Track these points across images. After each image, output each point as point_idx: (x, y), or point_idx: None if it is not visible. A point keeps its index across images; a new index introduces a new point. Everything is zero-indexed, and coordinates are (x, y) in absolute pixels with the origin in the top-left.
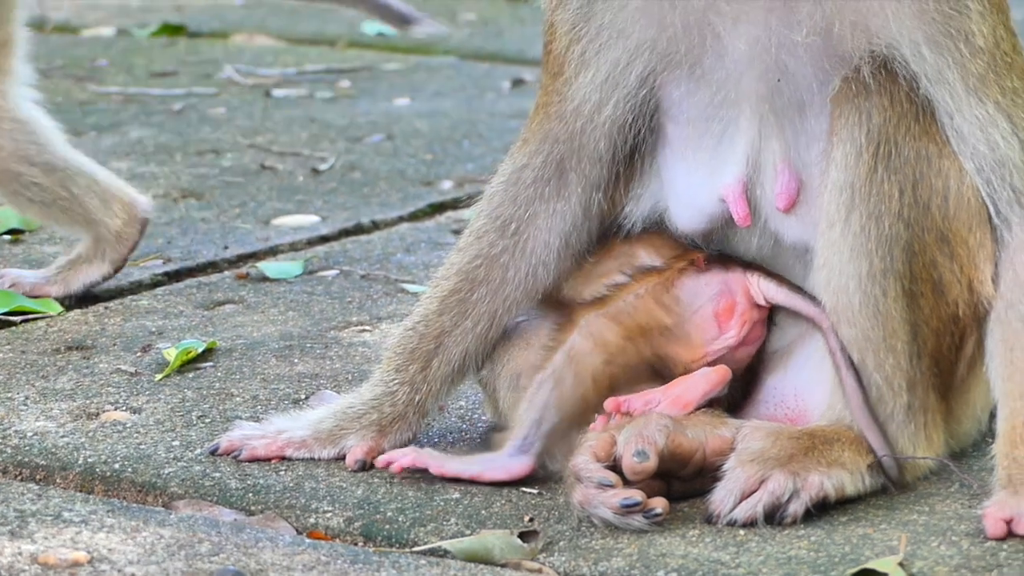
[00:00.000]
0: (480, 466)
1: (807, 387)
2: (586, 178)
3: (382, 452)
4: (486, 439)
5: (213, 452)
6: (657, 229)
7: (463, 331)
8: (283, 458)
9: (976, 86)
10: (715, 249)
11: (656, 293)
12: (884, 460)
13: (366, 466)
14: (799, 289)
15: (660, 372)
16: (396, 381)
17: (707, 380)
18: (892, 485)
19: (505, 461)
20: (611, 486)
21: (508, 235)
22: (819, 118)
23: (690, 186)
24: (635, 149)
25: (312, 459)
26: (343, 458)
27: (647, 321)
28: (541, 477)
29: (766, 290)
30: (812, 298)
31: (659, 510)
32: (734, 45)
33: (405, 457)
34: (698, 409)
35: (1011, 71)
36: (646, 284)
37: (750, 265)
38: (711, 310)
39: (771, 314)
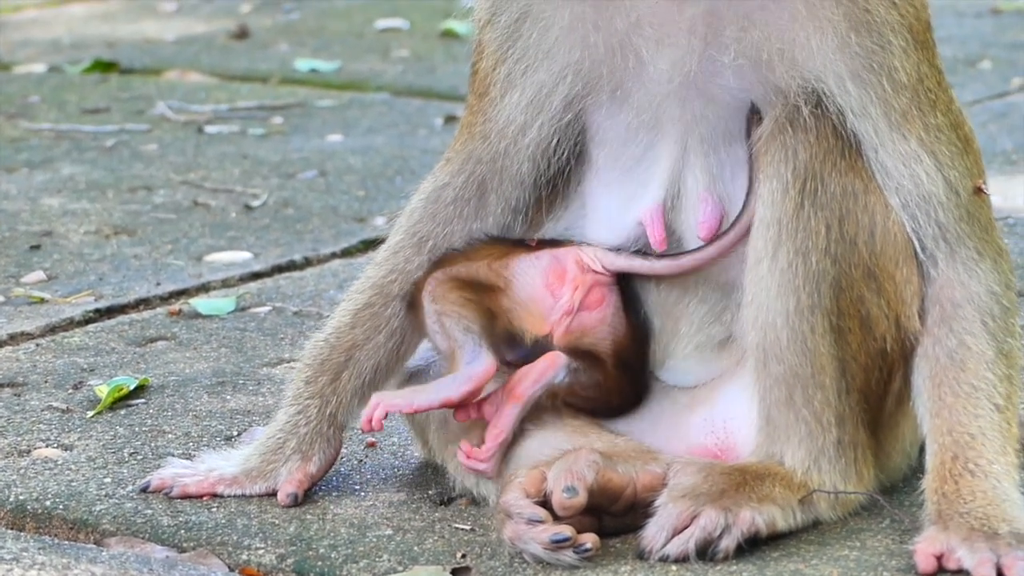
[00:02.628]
0: (447, 390)
1: (736, 419)
2: (506, 200)
3: (311, 477)
4: (421, 473)
5: (144, 489)
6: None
7: (375, 345)
8: (214, 495)
9: (899, 122)
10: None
11: (489, 261)
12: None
13: (298, 500)
14: (642, 255)
15: (521, 345)
16: (306, 395)
17: (535, 369)
18: None
19: (466, 370)
20: (541, 522)
21: (424, 252)
22: (748, 150)
23: (609, 208)
24: (559, 173)
25: (244, 496)
26: (275, 493)
27: (483, 278)
28: (473, 514)
29: (602, 258)
30: (656, 257)
31: (589, 545)
32: (656, 67)
33: (377, 410)
34: (539, 398)
35: (935, 108)
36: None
37: (583, 244)
38: (541, 283)
39: (701, 347)
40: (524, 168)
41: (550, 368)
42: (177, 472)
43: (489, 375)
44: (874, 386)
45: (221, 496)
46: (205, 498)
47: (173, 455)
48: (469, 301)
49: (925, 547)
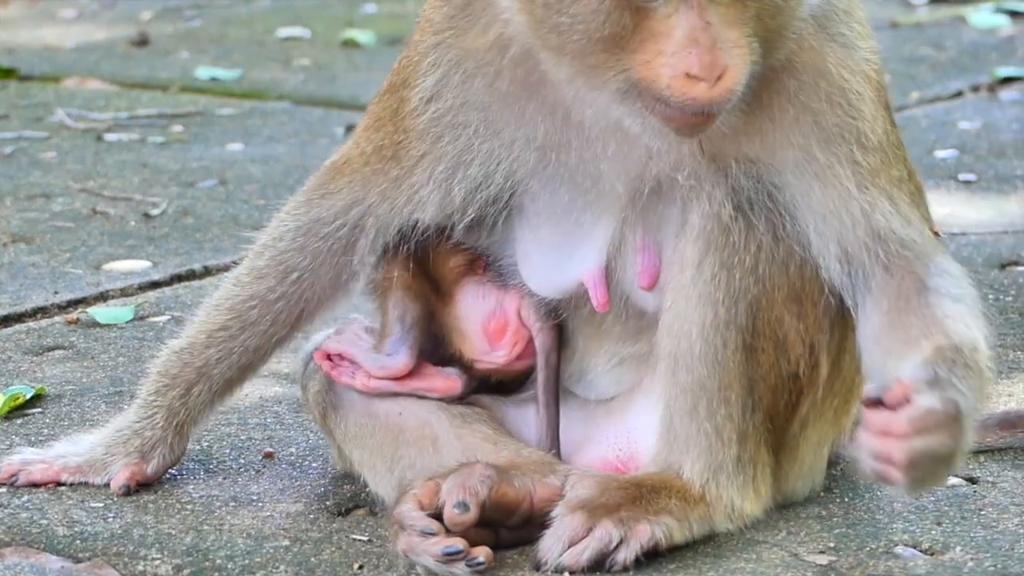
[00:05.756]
0: (369, 364)
1: (641, 431)
2: (379, 248)
3: (146, 476)
4: (319, 484)
5: None
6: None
7: (228, 364)
8: (59, 483)
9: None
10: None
11: (456, 272)
12: None
13: (129, 491)
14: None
15: (446, 353)
16: (156, 404)
17: (436, 384)
18: None
19: (384, 360)
20: (433, 534)
21: (288, 283)
22: (676, 200)
23: (546, 265)
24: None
25: (86, 484)
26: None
27: (444, 286)
28: (371, 525)
29: (533, 319)
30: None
31: (481, 559)
32: (606, 169)
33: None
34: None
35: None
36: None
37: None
38: (481, 325)
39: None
40: (421, 228)
41: (444, 392)
42: (25, 459)
43: (400, 373)
44: (781, 408)
45: (64, 484)
46: (50, 486)
47: None
48: (417, 294)
49: None
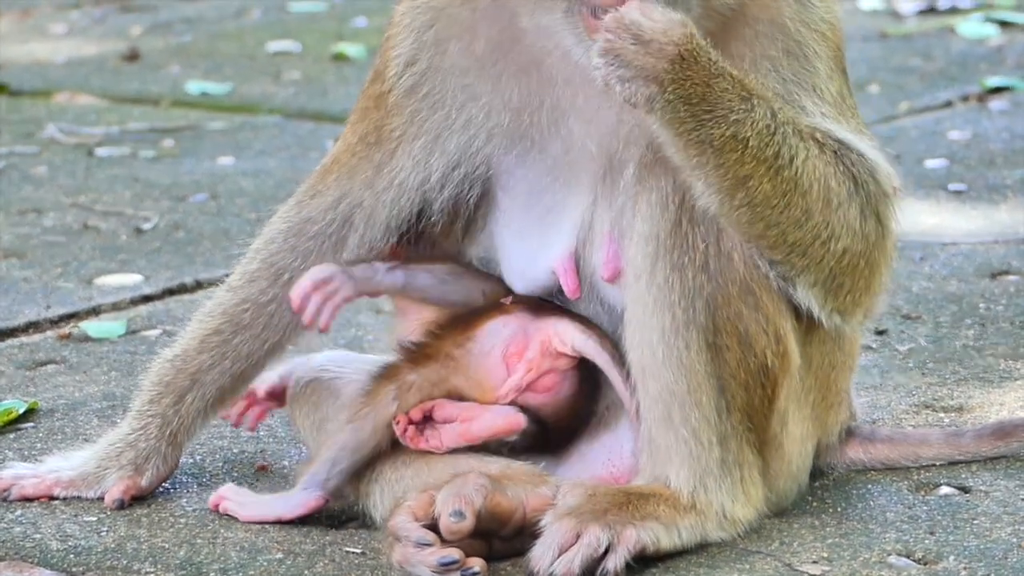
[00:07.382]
0: (280, 507)
1: (632, 447)
2: (369, 242)
3: (141, 490)
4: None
5: None
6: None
7: (221, 370)
8: (51, 498)
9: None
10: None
11: (458, 342)
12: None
13: (124, 505)
14: (612, 345)
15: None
16: (149, 413)
17: (498, 422)
18: None
19: (299, 496)
20: (429, 545)
21: (280, 284)
22: (632, 195)
23: (520, 256)
24: (456, 210)
25: (79, 498)
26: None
27: (446, 381)
28: (364, 537)
29: (573, 339)
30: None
31: (477, 569)
32: (580, 137)
33: (220, 504)
34: (482, 446)
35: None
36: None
37: (564, 313)
38: (500, 353)
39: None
40: (404, 215)
41: (510, 430)
42: (17, 474)
43: (315, 511)
44: (757, 405)
45: (57, 498)
46: (43, 499)
47: None
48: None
49: None
